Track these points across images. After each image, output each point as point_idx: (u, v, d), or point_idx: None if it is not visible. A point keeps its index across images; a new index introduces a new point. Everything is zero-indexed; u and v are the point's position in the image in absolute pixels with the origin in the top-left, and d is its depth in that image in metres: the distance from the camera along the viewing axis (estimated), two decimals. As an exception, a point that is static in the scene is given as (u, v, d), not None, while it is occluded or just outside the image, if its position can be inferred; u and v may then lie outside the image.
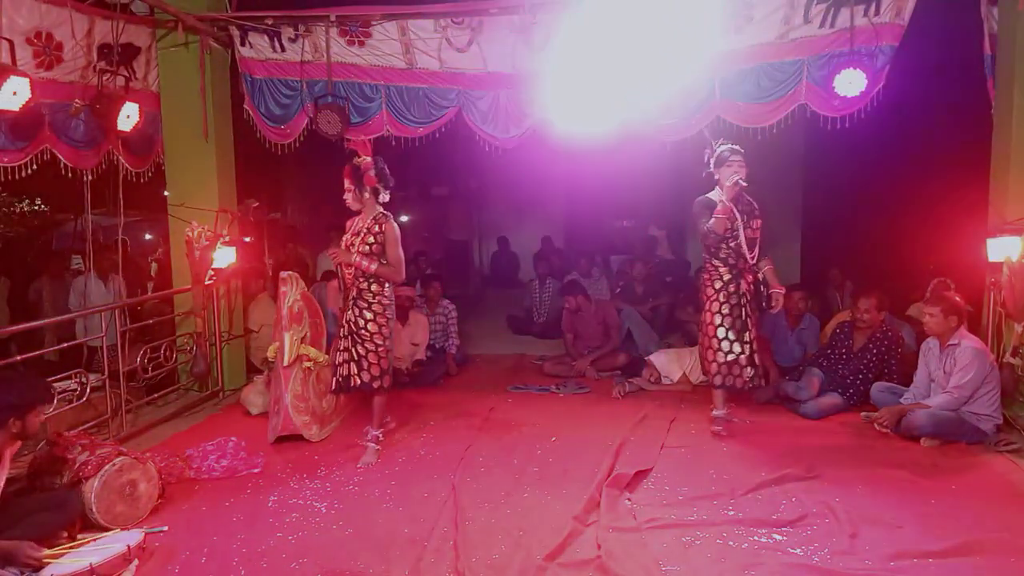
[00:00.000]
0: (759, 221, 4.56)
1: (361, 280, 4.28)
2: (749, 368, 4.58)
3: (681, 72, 5.20)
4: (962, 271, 5.43)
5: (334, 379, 4.43)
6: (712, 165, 4.52)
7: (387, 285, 4.32)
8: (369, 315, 4.26)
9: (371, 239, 4.23)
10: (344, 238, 4.40)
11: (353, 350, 4.29)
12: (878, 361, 5.20)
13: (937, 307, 4.51)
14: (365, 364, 4.27)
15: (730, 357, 4.55)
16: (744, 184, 4.38)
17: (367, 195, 4.26)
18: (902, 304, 6.30)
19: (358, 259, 4.21)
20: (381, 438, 4.51)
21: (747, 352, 4.57)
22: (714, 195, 4.52)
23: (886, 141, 7.20)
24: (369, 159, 4.30)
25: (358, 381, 4.30)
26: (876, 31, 5.02)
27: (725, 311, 4.55)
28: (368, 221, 4.27)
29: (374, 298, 4.27)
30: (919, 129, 7.09)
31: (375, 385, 4.31)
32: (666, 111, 5.51)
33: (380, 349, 4.28)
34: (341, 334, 4.36)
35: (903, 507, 3.59)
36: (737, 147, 4.51)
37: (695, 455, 4.41)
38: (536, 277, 8.86)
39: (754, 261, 4.56)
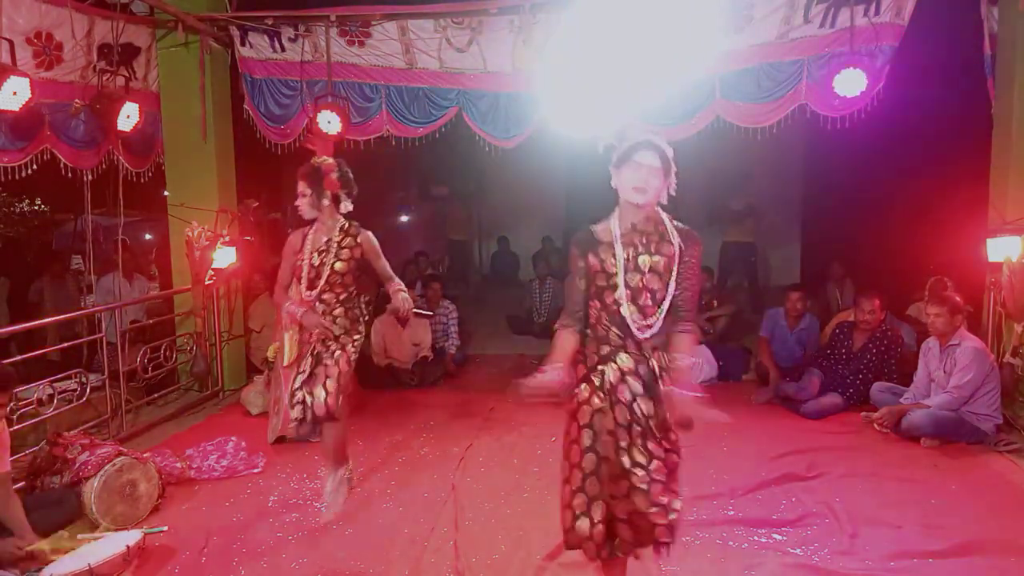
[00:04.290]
0: (666, 260, 2.39)
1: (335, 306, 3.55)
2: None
3: (681, 72, 5.18)
4: (962, 271, 5.42)
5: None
6: (613, 164, 2.55)
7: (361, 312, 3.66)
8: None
9: (345, 253, 3.51)
10: (298, 260, 3.55)
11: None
12: (878, 361, 5.20)
13: (944, 307, 4.50)
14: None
15: (579, 524, 2.38)
16: (643, 200, 2.41)
17: (326, 202, 3.50)
18: (902, 304, 6.30)
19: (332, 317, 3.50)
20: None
21: (593, 519, 2.37)
22: (603, 225, 2.50)
23: (886, 141, 7.18)
24: (331, 160, 3.55)
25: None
26: (876, 31, 5.02)
27: (575, 439, 2.42)
28: (334, 232, 3.53)
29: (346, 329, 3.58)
30: (919, 129, 7.06)
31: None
32: (666, 111, 5.51)
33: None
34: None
35: (903, 507, 3.59)
36: (652, 138, 2.54)
37: (695, 455, 4.39)
38: (536, 277, 8.85)
39: (649, 333, 2.37)
